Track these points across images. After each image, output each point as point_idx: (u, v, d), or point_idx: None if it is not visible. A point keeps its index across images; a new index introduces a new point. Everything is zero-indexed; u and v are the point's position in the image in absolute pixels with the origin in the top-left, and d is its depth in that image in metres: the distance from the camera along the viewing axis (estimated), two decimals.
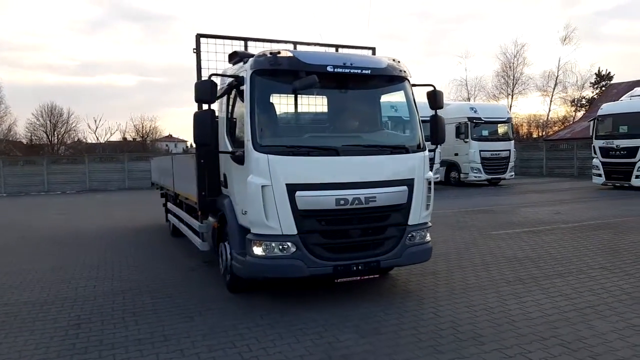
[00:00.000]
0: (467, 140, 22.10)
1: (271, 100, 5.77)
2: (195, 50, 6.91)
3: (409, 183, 5.91)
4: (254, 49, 7.17)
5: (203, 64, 7.02)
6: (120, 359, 4.46)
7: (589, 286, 6.26)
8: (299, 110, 5.99)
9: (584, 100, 48.65)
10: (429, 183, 6.10)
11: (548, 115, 49.77)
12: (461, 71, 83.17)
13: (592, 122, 20.34)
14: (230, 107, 6.24)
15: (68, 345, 4.79)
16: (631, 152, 18.34)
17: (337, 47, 7.71)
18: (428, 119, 6.40)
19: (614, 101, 22.51)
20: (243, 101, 5.75)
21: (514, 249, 8.62)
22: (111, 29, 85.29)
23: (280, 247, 5.45)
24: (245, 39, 7.26)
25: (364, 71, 5.83)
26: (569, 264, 7.41)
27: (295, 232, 5.43)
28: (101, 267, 8.16)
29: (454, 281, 6.65)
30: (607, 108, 20.06)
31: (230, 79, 6.11)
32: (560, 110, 50.32)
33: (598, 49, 76.98)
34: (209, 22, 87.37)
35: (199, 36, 6.90)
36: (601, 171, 19.42)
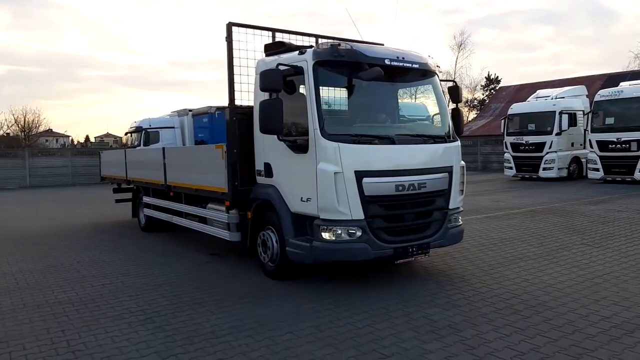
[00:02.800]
0: None
1: (333, 91, 5.92)
2: (227, 39, 6.78)
3: (449, 170, 6.40)
4: (280, 39, 7.22)
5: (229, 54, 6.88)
6: (237, 345, 4.41)
7: (589, 258, 7.19)
8: (354, 100, 6.19)
9: (475, 101, 53.11)
10: (462, 170, 6.65)
11: None
12: None
13: (503, 121, 22.51)
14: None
15: (165, 338, 4.61)
16: (538, 147, 20.61)
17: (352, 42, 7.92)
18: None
19: (502, 102, 24.89)
20: (292, 92, 5.89)
21: (489, 233, 9.46)
22: None
23: (348, 231, 5.66)
24: (274, 30, 7.27)
25: (413, 65, 6.24)
26: (554, 242, 8.37)
27: (362, 217, 5.68)
28: (103, 264, 7.69)
29: (475, 260, 7.25)
30: (516, 108, 22.32)
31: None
32: None
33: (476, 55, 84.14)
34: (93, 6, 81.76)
35: (230, 25, 6.78)
36: (512, 164, 21.60)
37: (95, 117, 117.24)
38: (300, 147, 5.86)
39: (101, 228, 11.64)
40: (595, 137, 18.64)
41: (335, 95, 6.16)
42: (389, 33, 73.65)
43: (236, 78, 6.84)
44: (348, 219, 5.63)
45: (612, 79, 31.05)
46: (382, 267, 6.79)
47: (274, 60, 6.36)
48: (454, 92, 6.97)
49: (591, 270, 6.57)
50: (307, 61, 5.80)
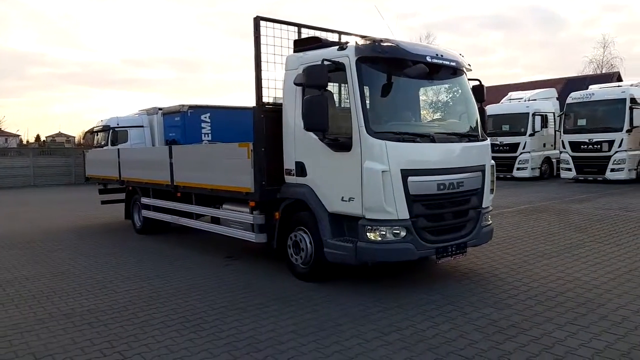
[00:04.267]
0: None
1: (375, 87, 5.79)
2: (255, 34, 6.54)
3: (482, 169, 6.40)
4: (306, 35, 7.04)
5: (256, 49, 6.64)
6: (307, 350, 4.22)
7: (606, 255, 7.35)
8: (393, 97, 6.08)
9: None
10: (492, 169, 6.66)
11: None
12: None
13: None
14: None
15: (225, 346, 4.36)
16: (513, 147, 21.17)
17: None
18: None
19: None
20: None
21: (495, 231, 9.56)
22: None
23: (393, 231, 5.55)
24: (299, 25, 7.07)
25: (451, 63, 6.19)
26: (563, 240, 8.53)
27: (407, 216, 5.58)
28: (113, 268, 7.28)
29: (497, 258, 7.29)
30: (491, 109, 22.76)
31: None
32: None
33: None
34: None
35: (258, 19, 6.54)
36: None
37: (46, 116, 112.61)
38: (342, 145, 5.71)
39: (89, 231, 11.06)
40: (567, 138, 19.26)
41: (374, 92, 6.00)
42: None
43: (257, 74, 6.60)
44: (394, 219, 5.53)
45: (572, 83, 32.37)
46: (404, 266, 6.73)
47: (303, 56, 6.21)
48: (479, 92, 6.95)
49: (615, 266, 6.71)
50: (349, 57, 5.66)
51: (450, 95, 6.52)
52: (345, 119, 5.74)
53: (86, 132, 29.40)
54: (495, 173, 6.74)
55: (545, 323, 4.74)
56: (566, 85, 31.58)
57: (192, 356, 4.20)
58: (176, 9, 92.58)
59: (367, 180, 5.47)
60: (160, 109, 27.29)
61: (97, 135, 28.47)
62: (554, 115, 21.70)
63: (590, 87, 20.41)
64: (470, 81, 6.73)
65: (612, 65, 42.48)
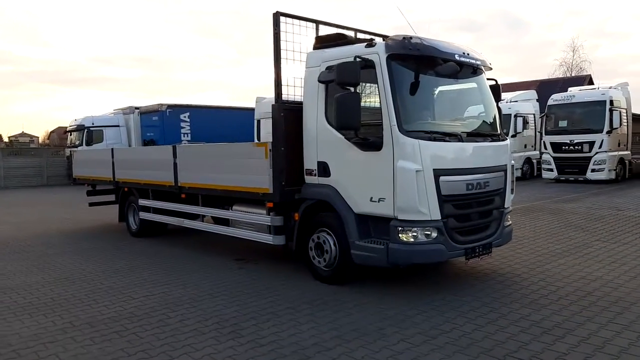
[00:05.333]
0: None
1: (404, 85, 5.68)
2: (275, 30, 6.35)
3: (505, 169, 6.38)
4: (323, 31, 6.90)
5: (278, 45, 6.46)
6: (360, 356, 4.08)
7: (617, 254, 7.44)
8: (421, 96, 5.98)
9: None
10: (512, 169, 6.65)
11: None
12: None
13: None
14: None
15: (271, 353, 4.18)
16: None
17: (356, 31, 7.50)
18: None
19: None
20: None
21: None
22: None
23: (425, 232, 5.47)
24: (317, 22, 6.90)
25: (477, 62, 6.16)
26: (568, 240, 8.61)
27: (439, 217, 5.50)
28: (121, 274, 6.97)
29: (512, 258, 7.29)
30: None
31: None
32: None
33: None
34: None
35: (278, 14, 6.36)
36: None
37: (8, 115, 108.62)
38: (372, 144, 5.59)
39: (80, 234, 10.61)
40: (549, 139, 19.62)
41: (403, 89, 5.89)
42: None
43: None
44: (427, 220, 5.43)
45: (545, 85, 33.09)
46: (421, 268, 6.66)
47: (325, 53, 6.09)
48: (496, 91, 6.93)
49: (631, 265, 6.80)
50: (378, 54, 5.55)
51: (473, 94, 6.47)
52: (372, 117, 5.63)
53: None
54: (515, 173, 6.73)
55: (587, 323, 4.73)
56: (539, 88, 32.28)
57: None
58: (144, 6, 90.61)
59: (400, 180, 5.36)
60: (136, 108, 26.81)
61: (70, 134, 27.70)
62: (535, 117, 22.10)
63: (570, 89, 20.86)
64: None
65: (581, 68, 43.73)
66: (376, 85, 5.66)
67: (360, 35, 7.26)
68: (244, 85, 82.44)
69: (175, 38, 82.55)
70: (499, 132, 6.54)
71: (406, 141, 5.36)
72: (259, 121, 20.43)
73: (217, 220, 8.05)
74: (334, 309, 5.27)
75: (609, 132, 18.16)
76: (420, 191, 5.35)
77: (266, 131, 20.43)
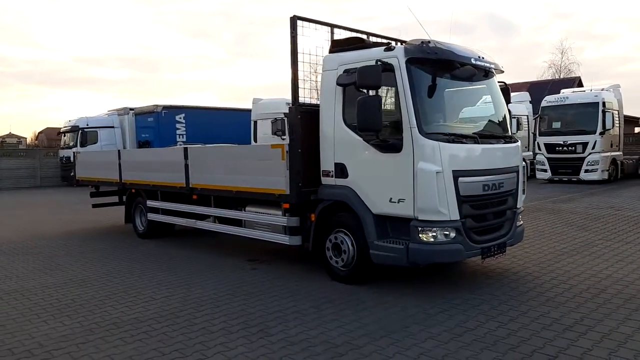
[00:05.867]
0: (284, 137, 18.23)
1: (423, 88, 5.79)
2: (292, 34, 6.43)
3: (517, 170, 6.53)
4: (338, 35, 7.00)
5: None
6: (392, 353, 4.17)
7: (623, 253, 7.63)
8: (438, 99, 6.10)
9: None
10: (524, 170, 6.80)
11: None
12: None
13: None
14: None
15: (304, 351, 4.26)
16: None
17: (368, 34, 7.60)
18: None
19: None
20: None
21: None
22: None
23: (444, 232, 5.58)
24: (332, 25, 7.00)
25: (491, 66, 6.31)
26: (572, 239, 8.78)
27: (458, 217, 5.62)
28: (135, 275, 7.01)
29: (520, 257, 7.44)
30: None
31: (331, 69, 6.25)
32: None
33: None
34: None
35: (295, 18, 6.44)
36: None
37: None
38: (391, 146, 5.70)
39: (84, 235, 10.59)
40: (543, 140, 19.91)
41: (421, 93, 5.99)
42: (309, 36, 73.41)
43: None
44: (446, 220, 5.55)
45: (534, 87, 33.50)
46: (435, 267, 6.78)
47: (342, 56, 6.19)
48: (505, 93, 7.08)
49: (638, 263, 6.98)
50: (397, 58, 5.66)
51: (485, 97, 6.61)
52: (388, 119, 5.74)
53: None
54: (526, 174, 6.88)
55: (605, 319, 4.87)
56: (529, 90, 32.68)
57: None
58: (131, 6, 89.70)
59: (421, 182, 5.47)
60: (131, 109, 26.70)
61: (64, 136, 27.48)
62: (528, 118, 22.39)
63: (563, 91, 21.19)
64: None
65: (569, 70, 44.31)
66: (393, 88, 5.78)
67: (372, 39, 7.37)
68: (234, 86, 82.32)
69: (163, 38, 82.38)
70: (510, 133, 6.69)
71: (426, 143, 5.48)
72: (255, 122, 20.45)
73: (226, 221, 8.09)
74: (356, 308, 5.36)
75: (601, 133, 18.48)
76: (440, 192, 5.47)
77: (263, 132, 20.44)
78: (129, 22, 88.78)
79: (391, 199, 5.75)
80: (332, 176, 6.38)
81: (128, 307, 5.60)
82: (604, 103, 18.62)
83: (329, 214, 6.49)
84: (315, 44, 6.82)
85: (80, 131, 25.65)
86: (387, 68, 5.69)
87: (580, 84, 32.98)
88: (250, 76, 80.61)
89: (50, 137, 68.55)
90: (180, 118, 25.12)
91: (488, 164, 6.02)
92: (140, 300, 5.81)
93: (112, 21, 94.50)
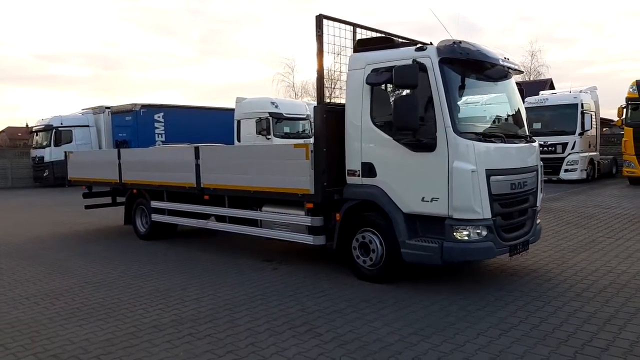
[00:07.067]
0: (269, 137, 18.75)
1: (454, 88, 5.87)
2: (318, 33, 6.42)
3: (536, 169, 6.70)
4: (359, 35, 7.03)
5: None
6: (449, 350, 4.23)
7: (630, 249, 7.91)
8: (468, 98, 6.21)
9: None
10: (541, 169, 6.97)
11: None
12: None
13: None
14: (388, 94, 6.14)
15: (359, 350, 4.27)
16: None
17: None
18: None
19: None
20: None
21: None
22: None
23: (477, 231, 5.68)
24: (355, 25, 7.01)
25: (515, 66, 6.45)
26: (574, 237, 9.04)
27: (490, 215, 5.73)
28: (152, 276, 6.86)
29: (533, 253, 7.61)
30: None
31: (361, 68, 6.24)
32: None
33: None
34: None
35: (321, 17, 6.43)
36: None
37: None
38: (424, 145, 5.75)
39: (79, 238, 10.28)
40: None
41: (453, 92, 6.06)
42: (279, 34, 73.23)
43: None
44: (479, 218, 5.65)
45: None
46: (452, 268, 6.87)
47: (369, 56, 6.22)
48: (521, 94, 7.25)
49: None
50: (430, 58, 5.72)
51: (508, 97, 6.74)
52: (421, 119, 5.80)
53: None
54: (543, 174, 7.06)
55: (638, 313, 5.04)
56: None
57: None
58: (93, 1, 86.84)
59: (456, 180, 5.55)
60: (107, 107, 26.06)
61: (36, 135, 26.60)
62: None
63: (542, 92, 21.79)
64: None
65: (539, 72, 45.54)
66: (424, 88, 5.83)
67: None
68: (202, 85, 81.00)
69: (127, 35, 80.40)
70: (528, 133, 6.85)
71: (461, 142, 5.56)
72: (239, 122, 20.30)
73: (239, 221, 8.01)
74: (394, 307, 5.39)
75: (581, 134, 19.08)
76: (475, 191, 5.56)
77: (247, 132, 20.35)
78: (91, 18, 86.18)
79: (424, 198, 5.81)
80: (358, 175, 6.39)
81: (161, 309, 5.48)
82: (582, 104, 19.22)
83: (354, 214, 6.50)
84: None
85: (54, 130, 24.91)
86: (420, 68, 5.74)
87: (552, 86, 33.95)
88: (218, 75, 79.51)
89: (12, 137, 66.23)
90: (159, 117, 24.70)
91: (514, 163, 6.16)
92: (171, 303, 5.70)
93: (73, 16, 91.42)
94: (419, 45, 6.01)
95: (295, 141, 19.01)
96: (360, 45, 6.58)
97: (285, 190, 6.91)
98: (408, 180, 5.97)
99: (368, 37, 6.92)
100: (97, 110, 26.13)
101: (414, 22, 76.09)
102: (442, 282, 6.28)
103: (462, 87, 5.92)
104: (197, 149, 8.30)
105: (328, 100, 6.70)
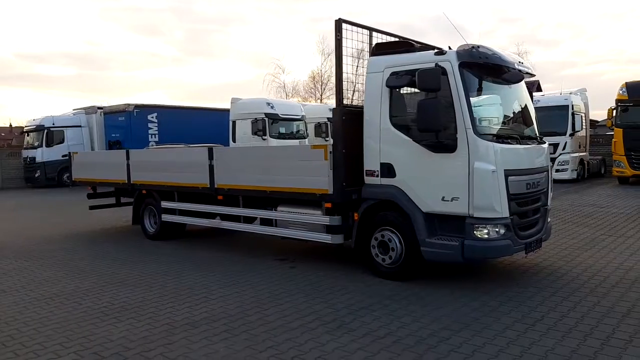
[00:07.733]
0: (265, 137, 18.80)
1: (472, 91, 6.05)
2: (337, 36, 6.56)
3: (547, 169, 6.92)
4: (375, 39, 7.19)
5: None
6: (481, 343, 4.39)
7: (630, 245, 8.17)
8: (484, 101, 6.40)
9: None
10: (550, 169, 7.20)
11: None
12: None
13: None
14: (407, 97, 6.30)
15: (394, 345, 4.42)
16: None
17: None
18: None
19: None
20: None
21: None
22: None
23: (496, 229, 5.87)
24: (371, 29, 7.16)
25: (529, 70, 6.65)
26: (577, 235, 9.30)
27: (508, 214, 5.92)
28: (172, 276, 6.94)
29: (544, 252, 7.83)
30: None
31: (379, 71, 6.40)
32: None
33: None
34: None
35: (340, 21, 6.57)
36: None
37: None
38: (445, 146, 5.92)
39: (86, 238, 10.28)
40: None
41: (472, 95, 6.24)
42: (264, 35, 72.81)
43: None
44: (499, 217, 5.83)
45: None
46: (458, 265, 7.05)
47: (389, 59, 6.37)
48: (530, 96, 7.47)
49: None
50: (450, 62, 5.89)
51: (521, 100, 6.95)
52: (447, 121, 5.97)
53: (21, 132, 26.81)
54: (552, 174, 7.29)
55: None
56: None
57: (373, 356, 4.22)
58: (75, 1, 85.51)
59: (477, 180, 5.73)
60: (99, 107, 25.88)
61: (27, 135, 26.29)
62: None
63: (533, 94, 22.13)
64: None
65: None
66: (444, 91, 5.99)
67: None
68: (187, 85, 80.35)
69: (111, 35, 79.32)
70: (538, 135, 7.07)
71: (481, 143, 5.75)
72: (234, 122, 20.35)
73: (253, 221, 8.13)
74: (419, 304, 5.55)
75: (571, 135, 19.49)
76: (495, 190, 5.75)
77: (242, 132, 20.40)
78: (74, 18, 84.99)
79: (444, 197, 5.98)
80: (377, 176, 6.54)
81: (190, 307, 5.57)
82: (572, 106, 19.63)
83: (372, 213, 6.65)
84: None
85: (45, 130, 24.67)
86: (441, 71, 5.91)
87: (539, 88, 34.47)
88: (204, 75, 79.05)
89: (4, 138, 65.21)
90: (152, 117, 24.60)
91: (528, 164, 6.37)
92: (198, 301, 5.79)
93: (56, 16, 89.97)
94: (437, 49, 6.18)
95: (295, 142, 19.23)
96: (379, 49, 6.73)
97: (304, 190, 7.04)
98: (428, 181, 6.13)
99: (386, 41, 7.06)
100: (89, 111, 25.94)
101: (396, 23, 76.56)
102: (456, 280, 6.44)
103: (480, 89, 6.11)
104: (210, 150, 8.38)
105: (347, 102, 6.81)
